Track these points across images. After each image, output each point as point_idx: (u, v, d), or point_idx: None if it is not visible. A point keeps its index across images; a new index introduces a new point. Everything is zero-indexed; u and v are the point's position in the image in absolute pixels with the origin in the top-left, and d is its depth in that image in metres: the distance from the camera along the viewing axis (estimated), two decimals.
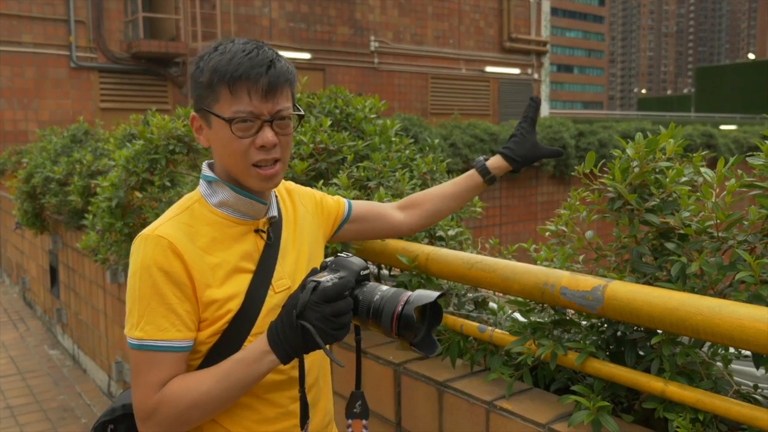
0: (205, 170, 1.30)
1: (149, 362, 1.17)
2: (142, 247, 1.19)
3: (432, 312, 1.16)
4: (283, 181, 1.43)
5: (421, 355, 1.15)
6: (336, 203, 1.55)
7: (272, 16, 14.49)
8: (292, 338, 1.10)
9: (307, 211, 1.45)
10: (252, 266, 1.26)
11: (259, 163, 1.21)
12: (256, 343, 1.14)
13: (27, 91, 11.60)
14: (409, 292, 1.13)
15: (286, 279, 1.30)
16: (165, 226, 1.22)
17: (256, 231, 1.29)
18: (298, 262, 1.35)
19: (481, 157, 1.71)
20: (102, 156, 4.48)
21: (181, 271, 1.18)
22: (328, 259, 1.21)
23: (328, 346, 1.12)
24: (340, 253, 1.22)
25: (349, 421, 1.26)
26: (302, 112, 1.28)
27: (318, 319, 1.08)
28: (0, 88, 11.34)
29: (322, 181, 2.30)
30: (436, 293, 1.12)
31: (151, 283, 1.17)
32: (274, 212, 1.32)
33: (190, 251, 1.19)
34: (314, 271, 1.18)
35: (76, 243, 4.61)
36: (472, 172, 1.68)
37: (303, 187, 1.51)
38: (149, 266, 1.17)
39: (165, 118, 3.31)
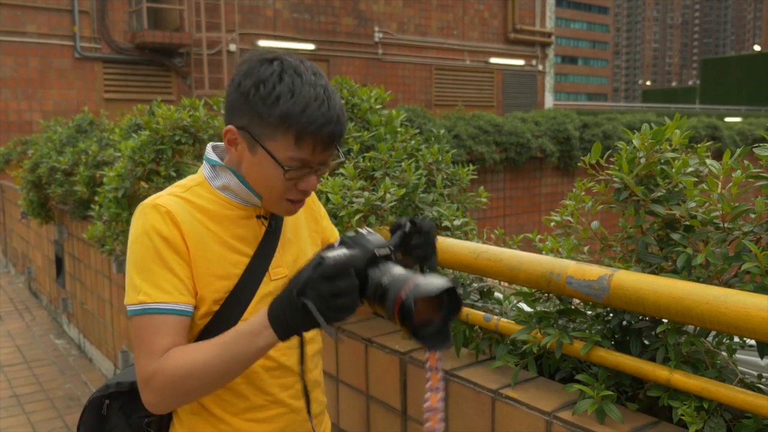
0: (210, 153, 1.29)
1: (152, 327, 1.15)
2: (142, 215, 1.20)
3: (450, 302, 1.05)
4: None
5: (426, 347, 1.06)
6: (332, 233, 1.52)
7: (276, 7, 14.45)
8: (291, 315, 1.04)
9: (312, 216, 1.45)
10: (249, 251, 1.26)
11: (294, 199, 1.23)
12: (257, 316, 1.11)
13: (31, 81, 11.61)
14: (420, 277, 1.03)
15: (284, 268, 1.30)
16: (164, 197, 1.23)
17: (258, 217, 1.29)
18: (299, 253, 1.36)
19: None
20: (107, 146, 4.48)
21: (179, 239, 1.19)
22: (347, 234, 1.15)
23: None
24: (360, 230, 1.15)
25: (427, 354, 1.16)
26: (344, 160, 1.29)
27: (316, 298, 1.01)
28: (4, 79, 11.35)
29: (327, 172, 2.30)
30: (443, 284, 1.01)
31: (152, 247, 1.17)
32: None
33: (187, 222, 1.20)
34: (329, 247, 1.12)
35: (82, 233, 4.63)
36: None
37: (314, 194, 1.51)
38: (149, 232, 1.18)
39: (171, 109, 3.32)
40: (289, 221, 1.36)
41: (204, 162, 1.30)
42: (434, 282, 1.02)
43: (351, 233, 1.15)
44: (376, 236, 1.13)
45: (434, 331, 1.04)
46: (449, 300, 1.04)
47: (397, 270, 1.07)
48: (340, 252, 1.06)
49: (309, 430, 1.37)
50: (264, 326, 1.08)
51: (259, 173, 1.20)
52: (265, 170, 1.19)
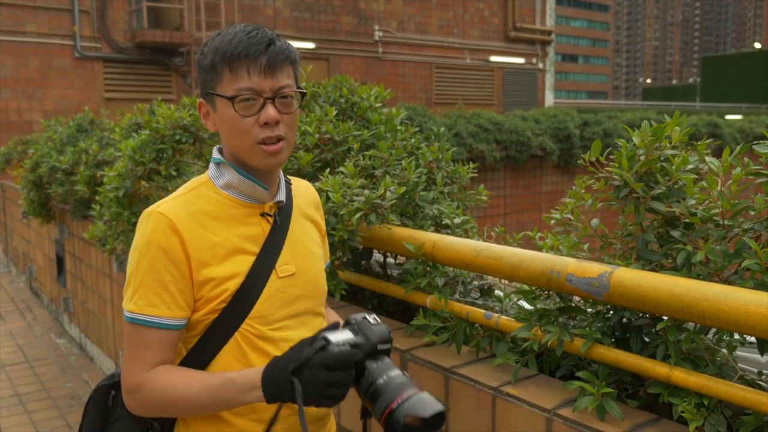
0: (215, 153, 1.31)
1: (139, 338, 1.20)
2: (144, 224, 1.23)
3: (435, 419, 1.04)
4: (309, 184, 1.46)
5: None
6: (328, 253, 1.52)
7: (276, 6, 14.45)
8: (281, 387, 1.09)
9: (317, 225, 1.45)
10: (255, 249, 1.26)
11: (264, 140, 1.22)
12: (251, 372, 1.15)
13: (31, 81, 11.61)
14: (412, 391, 1.05)
15: (291, 265, 1.30)
16: (168, 203, 1.24)
17: (262, 214, 1.29)
18: (306, 252, 1.35)
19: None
20: (108, 145, 4.48)
21: (178, 249, 1.20)
22: (354, 317, 1.16)
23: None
24: (368, 316, 1.16)
25: None
26: (304, 90, 1.29)
27: (310, 382, 1.05)
28: (5, 78, 11.35)
29: (328, 170, 2.31)
30: (438, 407, 1.03)
31: (148, 258, 1.20)
32: (281, 197, 1.32)
33: (189, 229, 1.21)
34: (334, 326, 1.14)
35: (83, 232, 4.64)
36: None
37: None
38: (148, 242, 1.20)
39: (171, 108, 3.31)
40: (295, 220, 1.35)
41: (210, 163, 1.32)
42: (427, 403, 1.03)
43: (358, 317, 1.16)
44: (381, 327, 1.14)
45: None
46: (437, 417, 1.04)
47: (394, 372, 1.09)
48: (344, 338, 1.08)
49: None
50: (255, 386, 1.13)
51: (224, 125, 1.23)
52: (226, 119, 1.22)
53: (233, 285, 1.23)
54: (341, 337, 1.09)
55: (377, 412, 1.06)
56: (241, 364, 1.23)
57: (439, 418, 1.04)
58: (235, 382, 1.15)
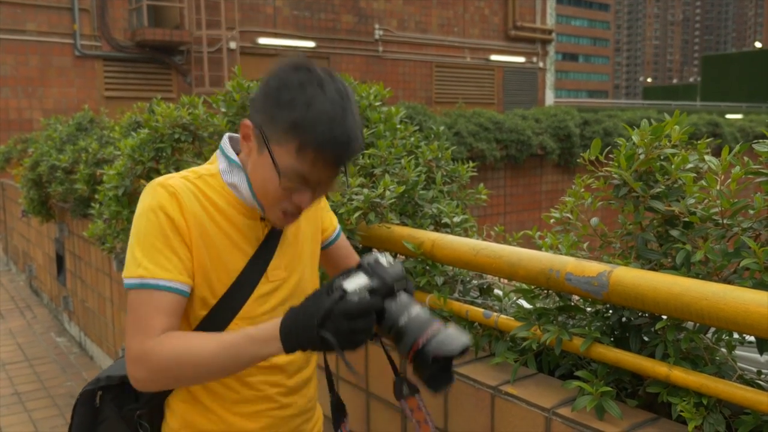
0: (228, 149, 1.28)
1: (148, 302, 1.15)
2: (151, 192, 1.21)
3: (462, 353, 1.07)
4: None
5: (429, 390, 1.07)
6: (330, 222, 1.53)
7: (276, 4, 14.44)
8: (306, 340, 1.07)
9: (315, 217, 1.45)
10: (250, 250, 1.27)
11: (287, 211, 1.22)
12: (269, 325, 1.12)
13: (31, 79, 11.61)
14: (436, 327, 1.06)
15: (282, 270, 1.31)
16: (176, 179, 1.23)
17: (262, 219, 1.29)
18: (297, 255, 1.36)
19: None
20: (107, 144, 4.48)
21: (183, 223, 1.19)
22: (366, 259, 1.15)
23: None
24: (381, 257, 1.15)
25: (403, 402, 1.22)
26: (348, 185, 1.28)
27: (334, 331, 1.04)
28: (4, 77, 11.35)
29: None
30: (463, 341, 1.04)
31: (157, 224, 1.17)
32: None
33: (193, 208, 1.21)
34: (348, 271, 1.13)
35: (83, 231, 4.64)
36: None
37: None
38: (155, 209, 1.18)
39: (170, 107, 3.31)
40: (291, 224, 1.36)
41: (219, 153, 1.29)
42: (454, 339, 1.04)
43: (371, 258, 1.15)
44: (395, 268, 1.13)
45: (438, 372, 1.06)
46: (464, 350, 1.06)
47: (415, 309, 1.09)
48: (360, 284, 1.07)
49: (298, 426, 1.38)
50: (273, 337, 1.09)
51: (260, 174, 1.20)
52: (265, 172, 1.18)
53: (223, 280, 1.22)
54: (357, 283, 1.08)
55: (403, 351, 1.06)
56: None
57: (466, 349, 1.05)
58: (252, 336, 1.11)
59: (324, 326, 1.05)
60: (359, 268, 1.13)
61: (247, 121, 1.21)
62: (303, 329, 1.06)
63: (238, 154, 1.28)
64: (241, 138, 1.24)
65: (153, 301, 1.15)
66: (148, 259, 1.16)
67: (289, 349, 1.10)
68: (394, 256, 2.41)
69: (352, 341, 1.05)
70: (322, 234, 1.49)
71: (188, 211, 1.20)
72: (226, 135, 1.31)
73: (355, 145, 1.16)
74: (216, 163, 1.29)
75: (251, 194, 1.24)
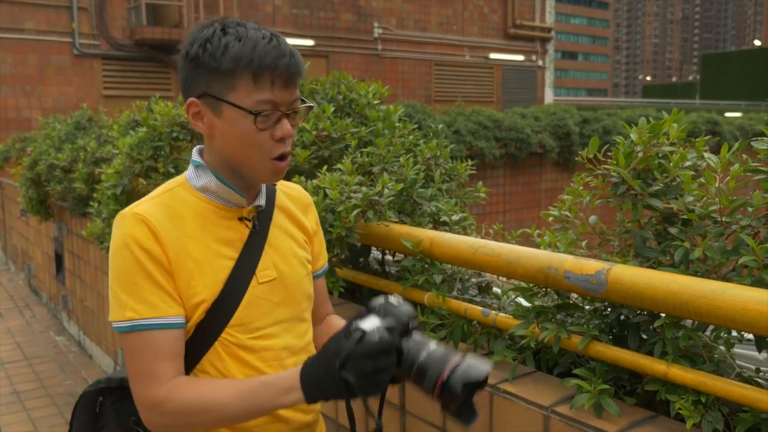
0: (195, 155, 1.26)
1: (147, 347, 1.12)
2: (120, 226, 1.16)
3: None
4: (300, 187, 1.42)
5: (459, 424, 1.06)
6: (321, 252, 1.45)
7: (275, 2, 14.43)
8: (328, 386, 1.04)
9: (298, 223, 1.38)
10: (234, 254, 1.22)
11: (279, 156, 1.18)
12: (288, 374, 1.09)
13: (30, 78, 11.59)
14: (458, 358, 1.05)
15: (271, 270, 1.25)
16: (144, 204, 1.19)
17: (240, 219, 1.24)
18: (287, 257, 1.30)
19: None
20: (106, 143, 4.48)
21: (159, 251, 1.14)
22: (376, 301, 1.14)
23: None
24: (390, 298, 1.14)
25: None
26: (312, 104, 1.26)
27: (358, 373, 1.02)
28: (3, 76, 11.33)
29: (326, 167, 2.30)
30: (488, 367, 1.04)
31: (132, 259, 1.13)
32: (261, 201, 1.27)
33: (166, 230, 1.16)
34: (360, 314, 1.11)
35: (81, 230, 4.63)
36: None
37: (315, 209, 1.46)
38: (128, 243, 1.13)
39: (168, 105, 3.31)
40: (273, 223, 1.31)
41: (190, 165, 1.26)
42: (478, 367, 1.03)
43: (380, 300, 1.13)
44: (406, 306, 1.13)
45: (462, 405, 1.05)
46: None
47: (432, 346, 1.08)
48: (377, 325, 1.06)
49: None
50: (294, 387, 1.07)
51: (231, 135, 1.16)
52: (236, 127, 1.15)
53: (211, 293, 1.18)
54: (373, 323, 1.07)
55: (428, 387, 1.05)
56: (219, 373, 1.20)
57: (487, 378, 1.05)
58: (272, 385, 1.09)
59: (346, 368, 1.03)
60: (369, 311, 1.13)
61: (191, 99, 1.18)
62: (325, 374, 1.04)
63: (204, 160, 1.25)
64: (191, 120, 1.20)
65: (152, 345, 1.12)
66: (134, 298, 1.12)
67: (310, 397, 1.07)
68: (393, 255, 2.41)
69: (375, 382, 1.02)
70: (312, 264, 1.40)
71: (162, 235, 1.15)
72: (196, 148, 1.27)
73: (298, 56, 1.16)
74: (183, 174, 1.26)
75: (224, 184, 1.20)
